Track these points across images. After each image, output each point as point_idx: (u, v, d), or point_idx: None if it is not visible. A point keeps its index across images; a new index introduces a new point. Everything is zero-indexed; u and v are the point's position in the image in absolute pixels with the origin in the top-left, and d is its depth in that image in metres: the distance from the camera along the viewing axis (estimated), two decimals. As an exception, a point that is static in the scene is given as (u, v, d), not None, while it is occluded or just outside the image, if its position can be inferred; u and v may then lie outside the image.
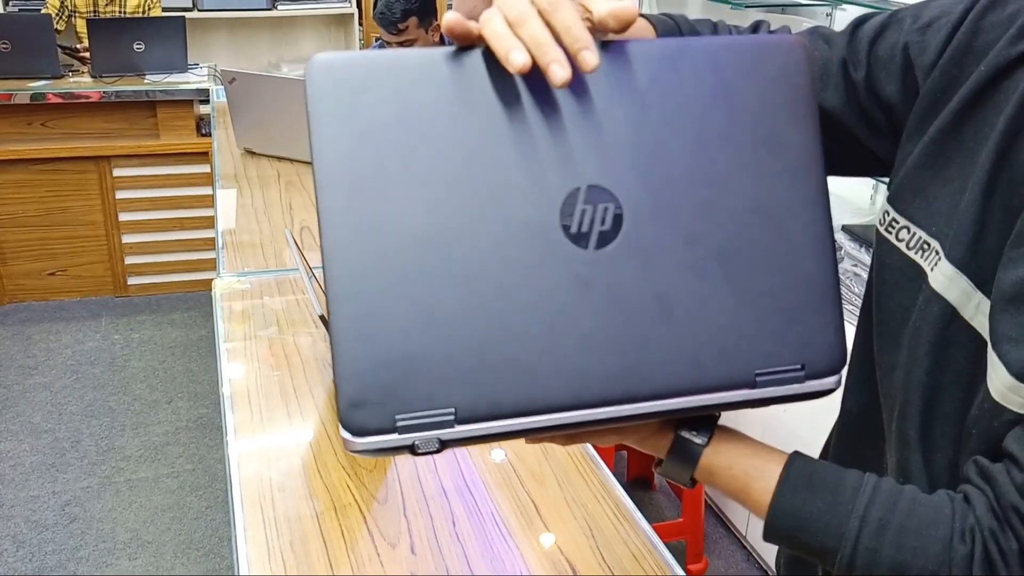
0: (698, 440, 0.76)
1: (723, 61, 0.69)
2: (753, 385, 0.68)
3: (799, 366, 0.69)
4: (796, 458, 0.75)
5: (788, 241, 0.69)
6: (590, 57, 0.63)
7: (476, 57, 0.66)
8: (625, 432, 0.77)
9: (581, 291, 0.65)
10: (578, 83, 0.66)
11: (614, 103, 0.67)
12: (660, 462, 0.78)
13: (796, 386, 0.69)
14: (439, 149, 0.64)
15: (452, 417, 0.64)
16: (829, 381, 0.70)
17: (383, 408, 0.63)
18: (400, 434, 0.64)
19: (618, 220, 0.66)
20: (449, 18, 0.66)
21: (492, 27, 0.66)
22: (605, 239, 0.66)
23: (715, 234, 0.67)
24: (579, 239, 0.65)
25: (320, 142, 0.64)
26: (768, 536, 0.75)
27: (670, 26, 0.92)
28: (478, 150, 0.65)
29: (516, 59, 0.63)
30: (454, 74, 0.65)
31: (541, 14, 0.66)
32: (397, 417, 0.63)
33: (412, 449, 0.64)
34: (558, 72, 0.63)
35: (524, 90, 0.65)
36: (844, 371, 0.71)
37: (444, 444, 0.65)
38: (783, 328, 0.68)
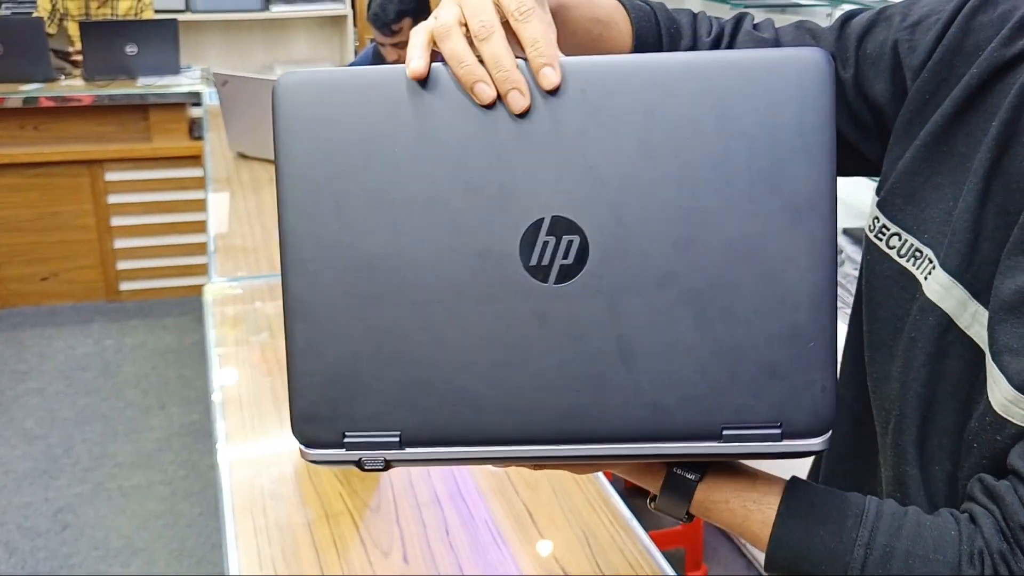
0: (691, 476, 0.73)
1: (720, 81, 0.62)
2: (719, 438, 0.64)
3: (776, 424, 0.63)
4: (794, 486, 0.72)
5: (778, 288, 0.62)
6: (551, 75, 0.62)
7: (445, 75, 0.64)
8: (603, 466, 0.74)
9: (535, 327, 0.63)
10: (554, 104, 0.63)
11: (591, 127, 0.62)
12: (655, 497, 0.76)
13: (770, 444, 0.64)
14: (402, 173, 0.63)
15: (397, 439, 0.65)
16: (812, 442, 0.64)
17: (332, 424, 0.65)
18: (347, 450, 0.65)
19: (583, 255, 0.62)
20: (415, 69, 0.64)
21: (452, 45, 0.65)
22: (566, 274, 0.62)
23: (691, 276, 0.62)
24: (538, 272, 0.62)
25: (285, 162, 0.65)
26: (770, 567, 0.72)
27: (646, 13, 0.90)
28: (441, 174, 0.63)
29: (483, 94, 0.63)
30: (422, 94, 0.64)
31: (508, 20, 0.65)
32: (345, 433, 0.65)
33: (359, 464, 0.65)
34: (516, 101, 0.62)
35: (494, 112, 0.63)
36: (830, 432, 0.65)
37: (389, 463, 0.66)
38: (759, 382, 0.63)
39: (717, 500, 0.72)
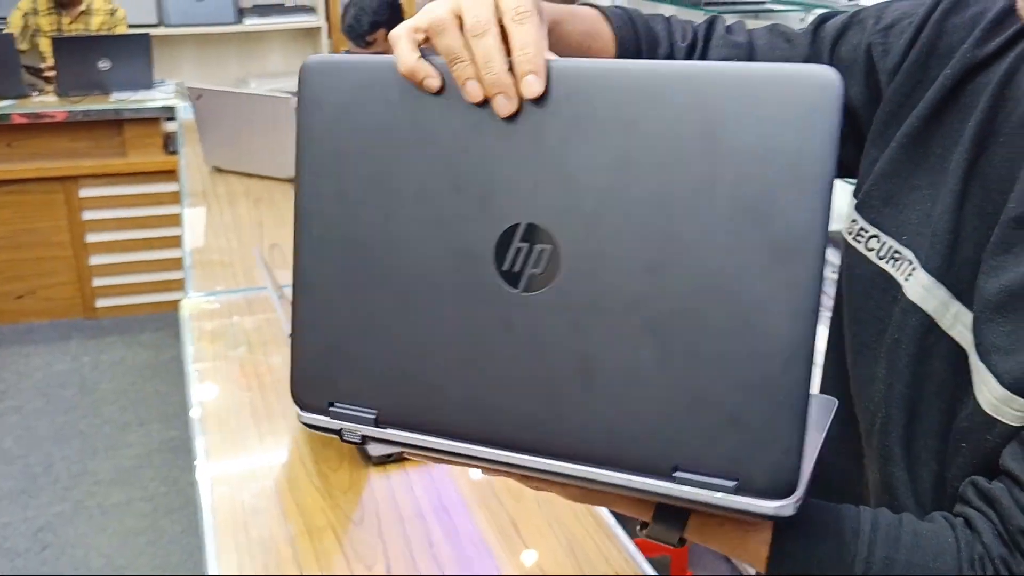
0: None
1: (716, 95, 0.57)
2: (670, 478, 0.59)
3: (732, 477, 0.58)
4: None
5: (749, 332, 0.57)
6: (535, 84, 0.60)
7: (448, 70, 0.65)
8: (594, 492, 0.70)
9: (501, 331, 0.62)
10: (542, 109, 0.61)
11: (575, 135, 0.60)
12: (645, 525, 0.73)
13: (723, 496, 0.58)
14: (399, 162, 0.65)
15: (373, 417, 0.67)
16: (773, 504, 0.57)
17: (321, 391, 0.69)
18: (330, 418, 0.69)
19: (553, 266, 0.60)
20: (434, 87, 0.63)
21: (448, 41, 0.64)
22: (535, 283, 0.61)
23: (658, 304, 0.58)
24: (509, 278, 0.62)
25: (304, 140, 0.67)
26: None
27: (626, 22, 0.90)
28: (432, 168, 0.64)
29: (473, 92, 0.62)
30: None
31: (503, 20, 0.63)
32: (331, 403, 0.69)
33: (340, 435, 0.69)
34: (502, 105, 0.61)
35: (486, 110, 0.63)
36: (796, 497, 0.58)
37: (365, 439, 0.69)
38: (718, 429, 0.58)
39: (711, 525, 0.70)
